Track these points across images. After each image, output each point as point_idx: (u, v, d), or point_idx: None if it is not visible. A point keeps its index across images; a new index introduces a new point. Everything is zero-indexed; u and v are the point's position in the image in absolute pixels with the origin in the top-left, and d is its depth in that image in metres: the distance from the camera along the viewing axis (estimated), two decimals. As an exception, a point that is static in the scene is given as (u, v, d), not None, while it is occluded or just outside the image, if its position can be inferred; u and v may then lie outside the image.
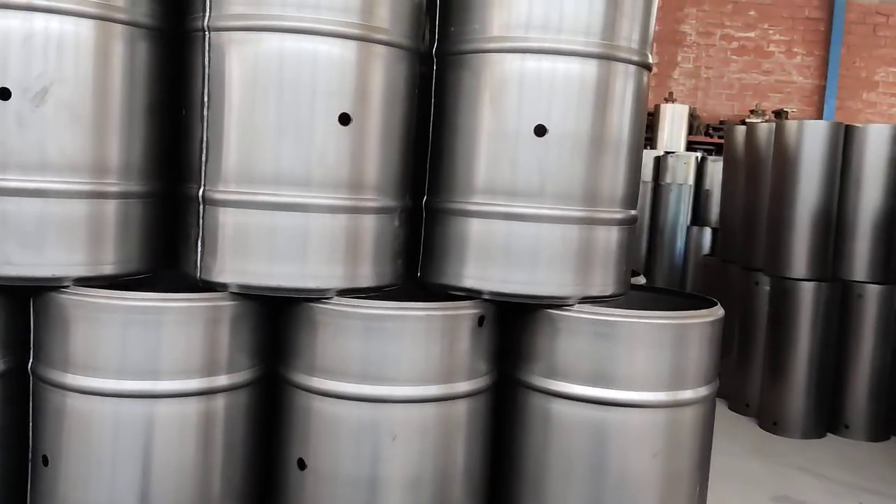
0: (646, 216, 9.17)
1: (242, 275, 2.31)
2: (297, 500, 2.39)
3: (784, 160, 5.29)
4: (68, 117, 2.21)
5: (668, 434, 2.45)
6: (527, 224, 2.40)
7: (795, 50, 12.75)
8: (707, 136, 12.27)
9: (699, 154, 9.82)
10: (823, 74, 12.64)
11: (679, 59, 12.82)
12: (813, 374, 5.23)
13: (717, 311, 2.54)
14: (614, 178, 2.47)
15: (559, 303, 2.43)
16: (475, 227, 2.43)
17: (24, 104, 2.16)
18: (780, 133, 5.35)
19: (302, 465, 2.36)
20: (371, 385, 2.31)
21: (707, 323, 2.49)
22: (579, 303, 2.45)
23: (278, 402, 2.44)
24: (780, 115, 11.71)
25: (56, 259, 2.25)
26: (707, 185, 9.43)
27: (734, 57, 12.81)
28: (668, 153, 10.08)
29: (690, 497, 2.52)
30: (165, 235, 2.50)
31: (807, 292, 5.20)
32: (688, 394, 2.46)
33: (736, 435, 5.25)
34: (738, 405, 5.69)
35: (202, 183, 2.32)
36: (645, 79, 2.52)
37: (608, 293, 2.51)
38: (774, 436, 5.28)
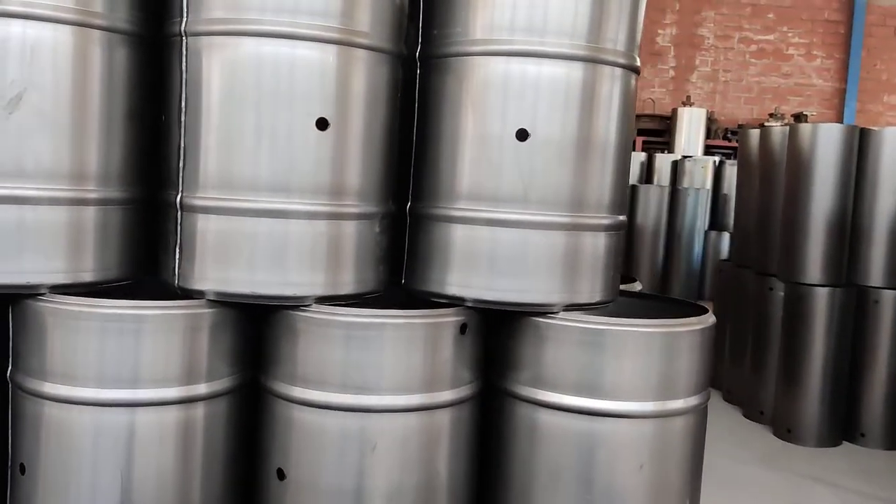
0: (663, 221, 9.12)
1: (220, 282, 2.29)
2: (277, 510, 2.36)
3: (798, 164, 5.21)
4: (44, 124, 2.20)
5: (657, 445, 2.40)
6: (511, 230, 2.36)
7: (815, 52, 12.61)
8: (725, 139, 12.18)
9: (717, 158, 9.77)
10: (844, 77, 12.49)
11: (697, 62, 12.73)
12: (828, 381, 5.15)
13: (708, 319, 2.48)
14: (601, 184, 2.42)
15: (544, 310, 2.38)
16: (459, 233, 2.40)
17: (-2, 110, 2.15)
18: (793, 137, 5.27)
19: (281, 475, 2.33)
20: (352, 394, 2.27)
21: (697, 331, 2.43)
22: (566, 310, 2.40)
23: (259, 411, 2.41)
24: (799, 118, 11.60)
25: (34, 266, 2.23)
26: (725, 189, 9.37)
27: (753, 60, 12.70)
28: (685, 157, 10.02)
29: (682, 509, 2.46)
30: (146, 242, 2.48)
31: (821, 298, 5.11)
32: (678, 403, 2.40)
33: (749, 443, 5.18)
34: (753, 412, 5.63)
35: (180, 189, 2.30)
36: (632, 81, 2.47)
37: (596, 300, 2.46)
38: (788, 444, 5.20)
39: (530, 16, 2.31)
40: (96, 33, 2.25)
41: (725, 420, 5.58)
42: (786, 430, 5.25)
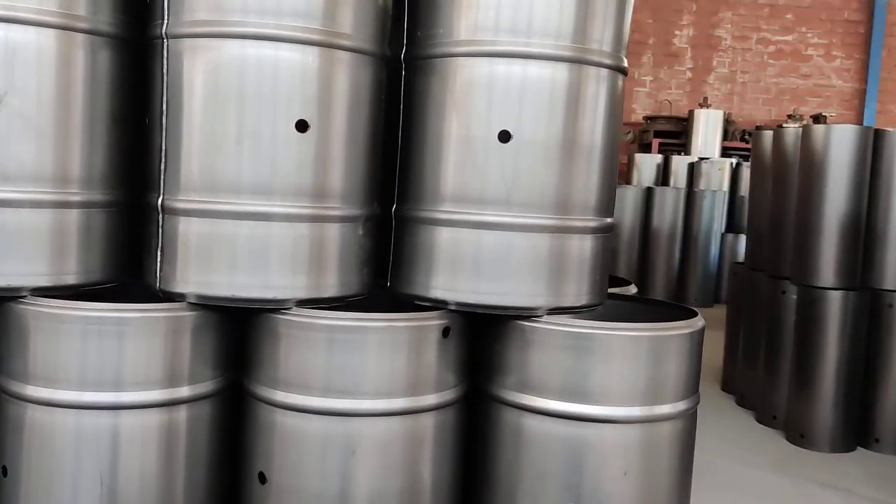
0: (679, 223, 9.04)
1: (201, 285, 2.28)
2: (259, 514, 2.34)
3: (811, 166, 5.14)
4: (27, 127, 2.20)
5: (645, 450, 2.36)
6: (496, 233, 2.34)
7: (834, 53, 12.46)
8: (743, 141, 12.04)
9: (734, 160, 9.67)
10: (864, 78, 12.34)
11: (714, 63, 12.62)
12: (841, 386, 5.06)
13: (697, 323, 2.44)
14: (587, 186, 2.39)
15: (529, 314, 2.36)
16: (443, 235, 2.37)
17: (-22, 114, 2.16)
18: (807, 138, 5.20)
19: (263, 479, 2.31)
20: (334, 398, 2.26)
21: (686, 335, 2.39)
22: (551, 314, 2.37)
23: (241, 415, 2.40)
24: (818, 119, 11.46)
25: (16, 269, 2.24)
26: (742, 191, 9.26)
27: (771, 61, 12.57)
28: (702, 159, 9.94)
29: (671, 516, 2.42)
30: (130, 245, 2.48)
31: (835, 301, 5.03)
32: (665, 408, 2.37)
33: (761, 447, 5.10)
34: (765, 417, 5.54)
35: (161, 192, 2.30)
36: (619, 82, 2.44)
37: (582, 304, 2.43)
38: (801, 449, 5.10)
39: (515, 16, 2.28)
40: (79, 36, 2.26)
41: (738, 424, 5.50)
42: (799, 434, 5.17)
